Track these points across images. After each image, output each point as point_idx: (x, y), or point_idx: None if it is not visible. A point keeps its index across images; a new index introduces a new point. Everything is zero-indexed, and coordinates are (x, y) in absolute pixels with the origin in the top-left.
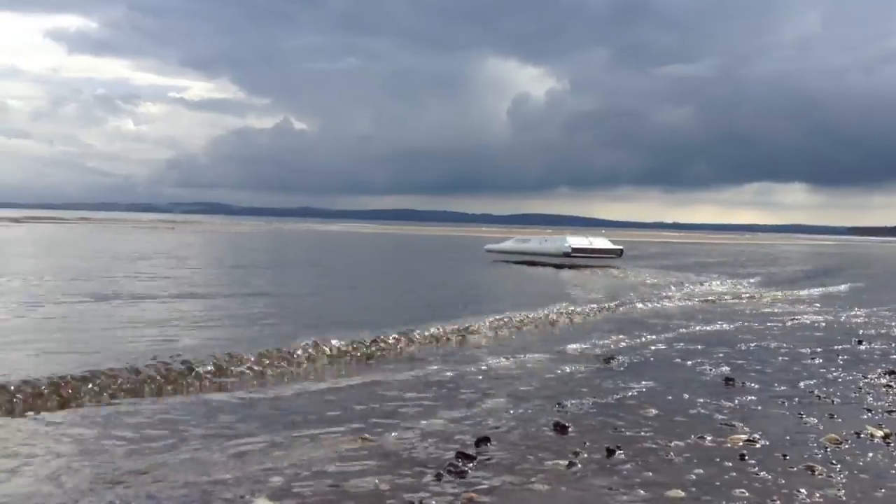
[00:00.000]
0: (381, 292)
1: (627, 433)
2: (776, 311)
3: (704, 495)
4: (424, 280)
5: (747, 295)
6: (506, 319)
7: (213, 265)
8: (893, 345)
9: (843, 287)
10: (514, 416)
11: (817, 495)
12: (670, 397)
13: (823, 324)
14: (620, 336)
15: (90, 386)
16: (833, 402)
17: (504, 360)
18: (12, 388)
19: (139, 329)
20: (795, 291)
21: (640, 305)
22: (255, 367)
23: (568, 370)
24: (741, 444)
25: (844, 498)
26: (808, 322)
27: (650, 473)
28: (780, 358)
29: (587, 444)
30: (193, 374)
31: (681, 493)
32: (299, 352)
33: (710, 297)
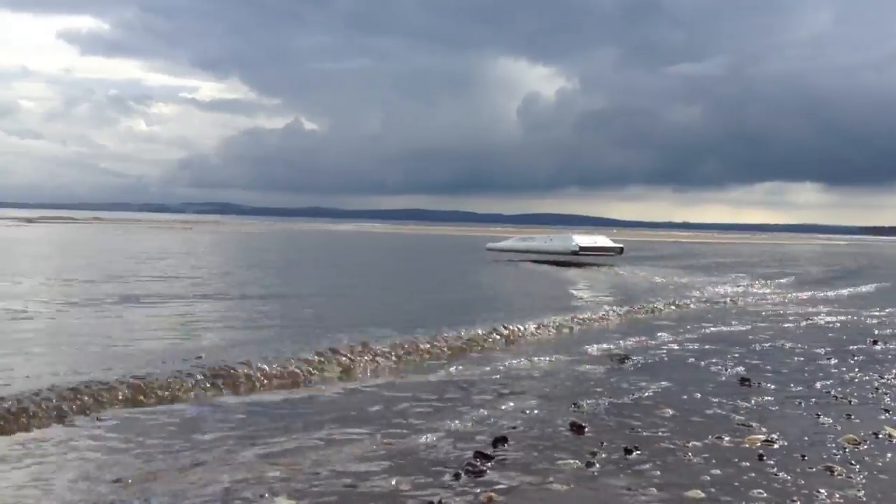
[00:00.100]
0: (400, 294)
1: (644, 433)
2: (790, 311)
3: (724, 496)
4: (440, 281)
5: (763, 295)
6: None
7: (234, 265)
8: None
9: (865, 288)
10: (530, 416)
11: (837, 496)
12: (686, 397)
13: (838, 324)
14: (634, 336)
15: (120, 392)
16: (850, 402)
17: (519, 360)
18: (37, 396)
19: (169, 331)
20: (819, 293)
21: (657, 306)
22: (281, 370)
23: (583, 370)
24: (759, 444)
25: (864, 499)
26: (822, 323)
27: (668, 474)
28: (796, 358)
29: (604, 444)
30: (217, 378)
31: (700, 494)
32: (316, 358)
33: (724, 298)
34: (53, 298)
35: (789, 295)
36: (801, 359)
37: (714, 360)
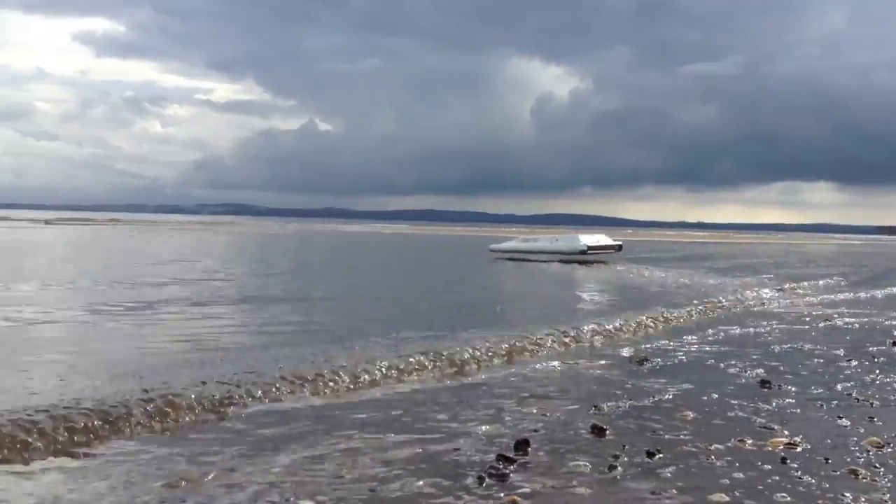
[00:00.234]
0: (419, 297)
1: (666, 436)
2: (807, 312)
3: (747, 500)
4: (456, 282)
5: (780, 297)
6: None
7: (257, 268)
8: None
9: (881, 291)
10: (550, 418)
11: (862, 500)
12: (706, 400)
13: (856, 325)
14: (652, 338)
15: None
16: (872, 404)
17: (537, 363)
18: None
19: (195, 337)
20: (839, 294)
21: (681, 310)
22: (310, 376)
23: (602, 373)
24: (782, 447)
25: (890, 502)
26: (840, 324)
27: (691, 477)
28: (815, 360)
29: (626, 447)
30: (247, 387)
31: (724, 498)
32: (343, 365)
33: (744, 301)
34: (89, 303)
35: (808, 298)
36: (821, 360)
37: (733, 362)
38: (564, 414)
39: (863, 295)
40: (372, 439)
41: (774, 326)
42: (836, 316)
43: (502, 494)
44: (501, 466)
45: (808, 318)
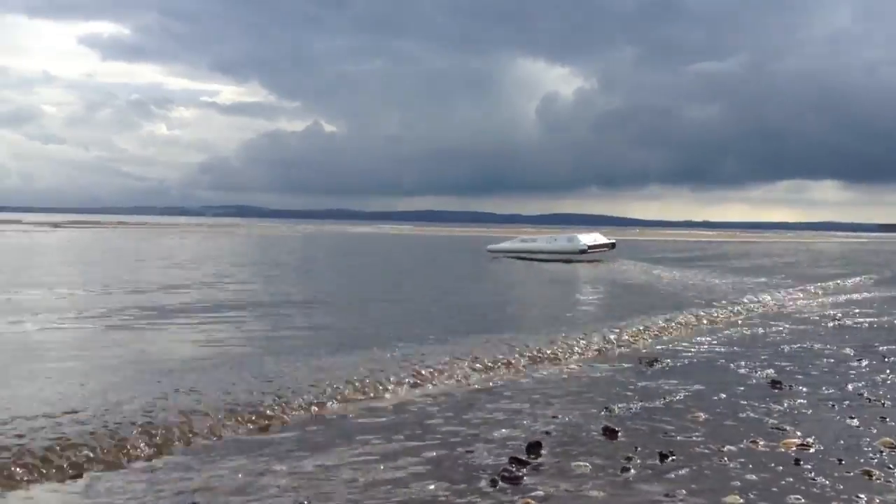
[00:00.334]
0: (436, 301)
1: (678, 438)
2: (816, 312)
3: (762, 501)
4: (473, 284)
5: (788, 297)
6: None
7: (271, 272)
8: None
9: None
10: (562, 420)
11: (877, 501)
12: (718, 401)
13: (865, 325)
14: (662, 339)
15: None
16: (883, 404)
17: (549, 364)
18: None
19: (231, 344)
20: (847, 295)
21: (699, 312)
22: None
23: (612, 374)
24: (794, 448)
25: None
26: (849, 324)
27: (705, 479)
28: (825, 360)
29: (638, 449)
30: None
31: (738, 500)
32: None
33: (757, 302)
34: (108, 310)
35: (820, 299)
36: (831, 360)
37: (743, 363)
38: (575, 416)
39: (869, 294)
40: (386, 443)
41: (783, 326)
42: (844, 316)
43: (516, 497)
44: (514, 469)
45: (815, 318)
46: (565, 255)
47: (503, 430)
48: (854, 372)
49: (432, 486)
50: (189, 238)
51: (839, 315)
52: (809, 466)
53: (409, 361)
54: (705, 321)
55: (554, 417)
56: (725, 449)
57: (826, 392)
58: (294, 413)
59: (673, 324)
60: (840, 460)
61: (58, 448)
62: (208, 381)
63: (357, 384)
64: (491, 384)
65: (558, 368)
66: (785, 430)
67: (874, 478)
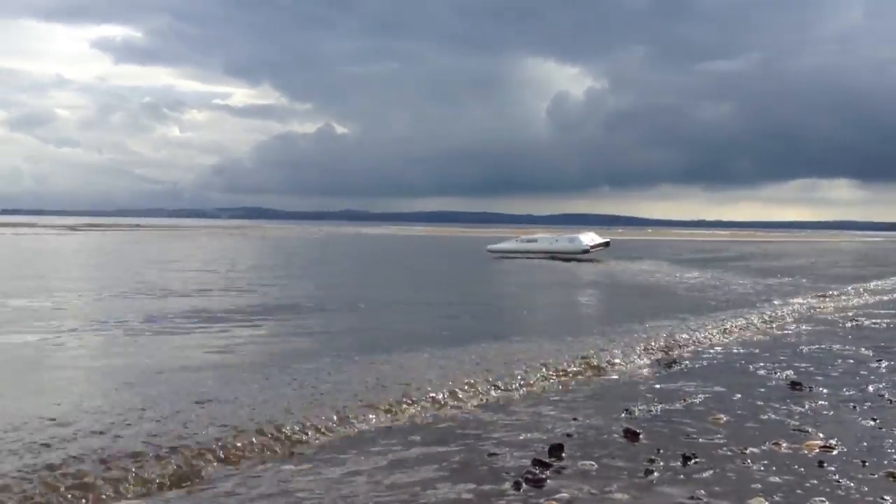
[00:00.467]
0: (459, 303)
1: (700, 440)
2: (834, 314)
3: None
4: (491, 286)
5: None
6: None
7: (296, 275)
8: None
9: None
10: (583, 422)
11: None
12: (738, 402)
13: (883, 326)
14: (679, 340)
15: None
16: None
17: (570, 368)
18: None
19: (262, 350)
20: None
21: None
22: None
23: (630, 375)
24: (817, 450)
25: None
26: (867, 324)
27: (729, 482)
28: (844, 361)
29: (661, 451)
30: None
31: (763, 502)
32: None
33: (784, 308)
34: (150, 313)
35: (844, 301)
36: (850, 362)
37: (762, 364)
38: (596, 417)
39: (886, 298)
40: (407, 448)
41: (801, 327)
42: (860, 316)
43: (541, 500)
44: (538, 471)
45: (833, 319)
46: (567, 255)
47: (524, 432)
48: (874, 373)
49: (457, 489)
50: (209, 240)
51: (857, 316)
52: (833, 468)
53: (440, 367)
54: (728, 324)
55: (574, 419)
56: (748, 451)
57: (847, 393)
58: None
59: (693, 325)
60: (864, 462)
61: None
62: (249, 393)
63: (392, 398)
64: (511, 386)
65: (578, 369)
66: (807, 431)
67: None
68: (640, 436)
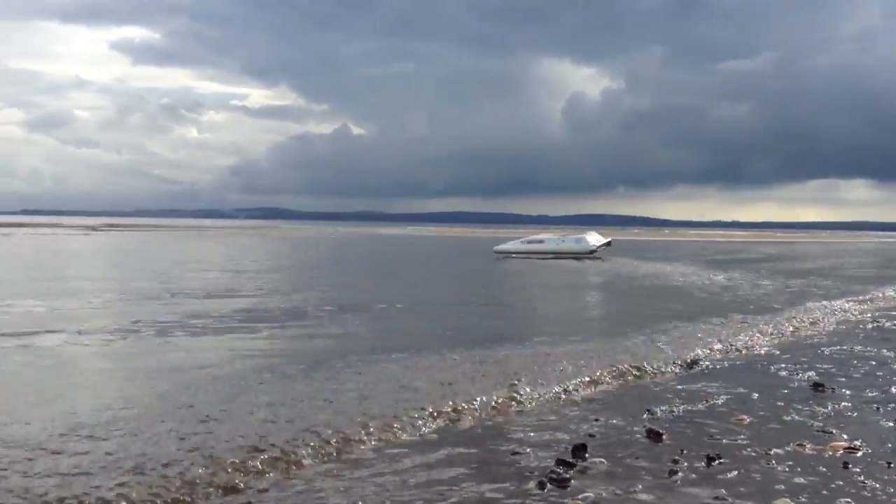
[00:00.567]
0: (484, 305)
1: (724, 441)
2: (856, 315)
3: None
4: (513, 287)
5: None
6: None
7: (318, 275)
8: None
9: None
10: (605, 423)
11: None
12: (760, 403)
13: None
14: (699, 341)
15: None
16: None
17: (591, 370)
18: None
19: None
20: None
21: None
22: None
23: (652, 376)
24: (842, 451)
25: None
26: (889, 326)
27: (754, 483)
28: (867, 362)
29: (684, 451)
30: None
31: (790, 503)
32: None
33: (816, 309)
34: (189, 315)
35: (865, 303)
36: (872, 363)
37: (783, 365)
38: (618, 418)
39: None
40: (435, 445)
41: (822, 329)
42: (882, 318)
43: (566, 500)
44: (561, 471)
45: (853, 320)
46: (574, 255)
47: (547, 432)
48: None
49: (481, 488)
50: (233, 241)
51: (879, 317)
52: (858, 470)
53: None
54: (750, 326)
55: (596, 420)
56: (772, 452)
57: (869, 395)
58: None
59: (714, 327)
60: (889, 463)
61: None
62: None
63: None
64: (532, 387)
65: (598, 371)
66: (831, 433)
67: None
68: (663, 436)
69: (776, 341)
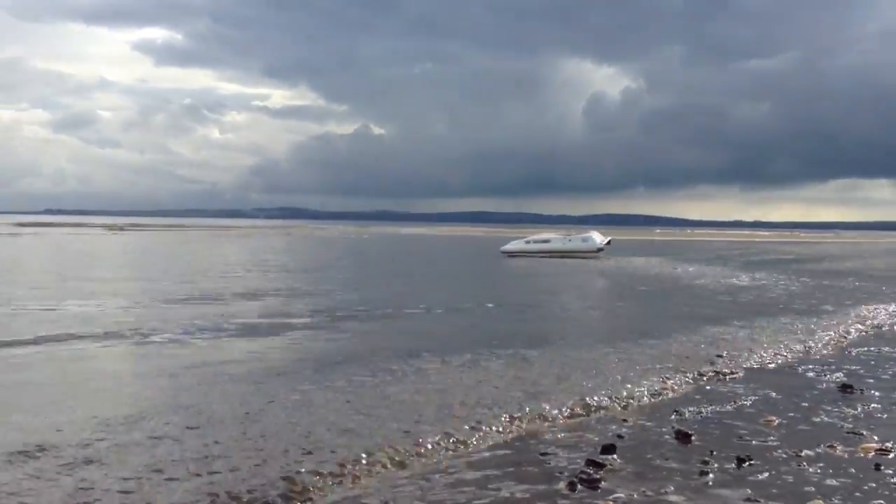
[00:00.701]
0: (528, 308)
1: (753, 442)
2: (883, 316)
3: None
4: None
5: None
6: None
7: (359, 276)
8: None
9: None
10: (633, 424)
11: None
12: (789, 405)
13: None
14: (728, 342)
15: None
16: None
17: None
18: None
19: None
20: None
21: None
22: None
23: (678, 376)
24: (873, 453)
25: None
26: None
27: (785, 484)
28: (894, 363)
29: (713, 453)
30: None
31: None
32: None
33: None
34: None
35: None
36: None
37: (811, 366)
38: (645, 418)
39: None
40: (464, 444)
41: (849, 329)
42: None
43: (598, 502)
44: (592, 472)
45: (880, 322)
46: (581, 254)
47: (574, 433)
48: None
49: (512, 489)
50: (262, 241)
51: None
52: (891, 472)
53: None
54: (777, 327)
55: (624, 421)
56: (803, 454)
57: None
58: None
59: (742, 328)
60: None
61: None
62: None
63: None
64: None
65: (622, 371)
66: (861, 434)
67: None
68: (692, 437)
69: (802, 342)
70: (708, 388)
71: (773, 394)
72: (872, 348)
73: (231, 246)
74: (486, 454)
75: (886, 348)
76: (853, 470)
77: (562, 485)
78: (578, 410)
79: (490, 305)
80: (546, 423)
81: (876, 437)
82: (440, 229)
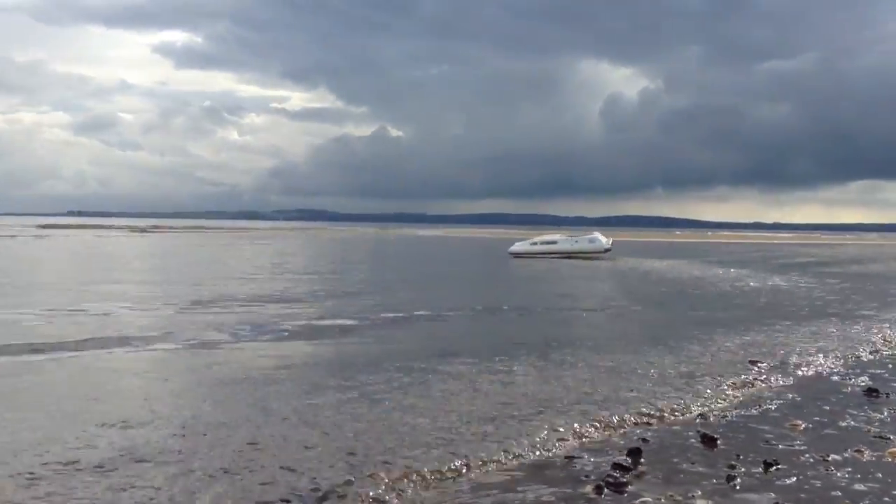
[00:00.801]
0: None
1: (780, 446)
2: None
3: None
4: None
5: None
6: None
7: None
8: None
9: None
10: (658, 427)
11: None
12: (814, 408)
13: None
14: (757, 346)
15: None
16: None
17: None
18: None
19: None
20: None
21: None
22: None
23: (703, 379)
24: None
25: None
26: None
27: (813, 489)
28: None
29: (740, 457)
30: None
31: None
32: None
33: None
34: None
35: None
36: None
37: (834, 370)
38: (670, 421)
39: None
40: (490, 447)
41: (871, 331)
42: None
43: None
44: (618, 475)
45: None
46: (588, 255)
47: (602, 435)
48: None
49: (538, 492)
50: (285, 243)
51: None
52: None
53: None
54: (802, 332)
55: (649, 425)
56: (830, 458)
57: None
58: None
59: (770, 333)
60: None
61: None
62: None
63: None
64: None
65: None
66: (889, 439)
67: None
68: (718, 441)
69: (827, 346)
70: (733, 392)
71: (799, 397)
72: (895, 352)
73: (253, 248)
74: (512, 455)
75: None
76: (880, 474)
77: (588, 488)
78: (604, 414)
79: (508, 308)
80: (574, 426)
81: None
82: (457, 231)
